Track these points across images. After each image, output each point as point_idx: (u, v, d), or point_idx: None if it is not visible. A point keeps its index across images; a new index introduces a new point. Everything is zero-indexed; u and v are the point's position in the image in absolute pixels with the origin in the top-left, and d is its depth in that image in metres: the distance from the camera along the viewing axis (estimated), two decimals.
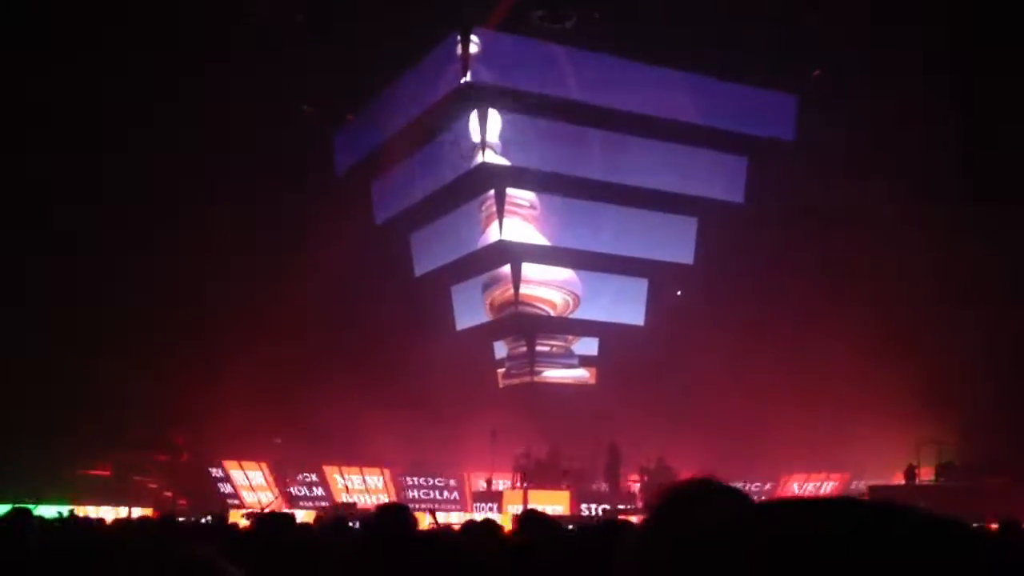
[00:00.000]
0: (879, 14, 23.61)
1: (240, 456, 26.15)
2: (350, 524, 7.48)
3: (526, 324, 30.38)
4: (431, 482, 27.88)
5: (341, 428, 25.52)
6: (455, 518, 20.35)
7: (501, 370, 32.06)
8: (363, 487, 27.14)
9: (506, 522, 12.28)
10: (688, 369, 26.18)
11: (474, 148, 27.36)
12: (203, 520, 11.85)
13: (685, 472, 24.24)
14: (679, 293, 30.41)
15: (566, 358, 31.58)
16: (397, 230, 31.52)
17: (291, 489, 26.05)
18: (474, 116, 27.23)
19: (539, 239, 28.98)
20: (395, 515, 4.70)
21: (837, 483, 27.38)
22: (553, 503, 23.15)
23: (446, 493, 28.10)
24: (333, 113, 30.31)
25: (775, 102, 28.57)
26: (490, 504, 24.98)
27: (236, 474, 26.07)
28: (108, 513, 19.21)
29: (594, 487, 25.50)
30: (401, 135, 29.29)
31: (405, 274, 31.29)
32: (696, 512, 0.78)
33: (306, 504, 25.11)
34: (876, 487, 23.20)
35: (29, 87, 23.36)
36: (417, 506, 23.27)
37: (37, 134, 24.10)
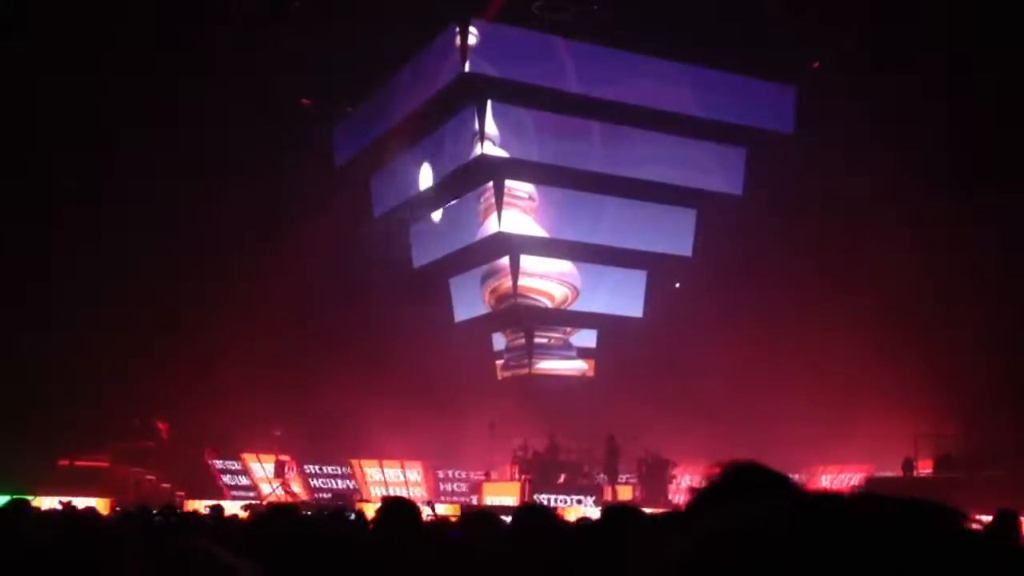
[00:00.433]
0: (878, 4, 23.60)
1: (240, 446, 26.13)
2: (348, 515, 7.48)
3: (524, 316, 30.39)
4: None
5: (340, 419, 25.55)
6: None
7: (499, 362, 32.09)
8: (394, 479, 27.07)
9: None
10: (687, 361, 26.21)
11: (473, 140, 27.33)
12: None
13: (683, 464, 24.35)
14: (677, 285, 30.42)
15: (564, 350, 31.60)
16: (396, 222, 31.53)
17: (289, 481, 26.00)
18: (473, 108, 27.19)
19: (538, 231, 28.97)
20: (403, 509, 4.68)
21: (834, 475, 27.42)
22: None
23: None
24: (331, 106, 30.27)
25: (774, 93, 28.53)
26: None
27: (255, 467, 26.00)
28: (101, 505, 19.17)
29: (593, 479, 25.51)
30: (400, 127, 29.26)
31: (404, 266, 31.27)
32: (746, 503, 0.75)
33: (323, 497, 24.99)
34: (873, 479, 23.23)
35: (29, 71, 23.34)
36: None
37: (42, 132, 24.11)
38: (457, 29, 26.16)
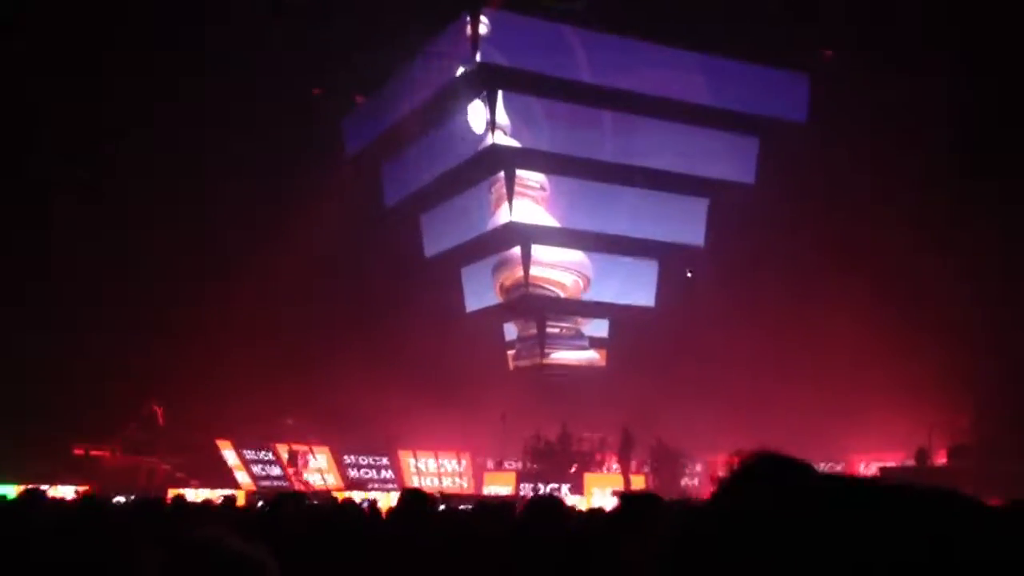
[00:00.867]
0: None
1: (253, 435, 26.20)
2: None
3: (536, 306, 30.38)
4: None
5: (351, 409, 25.62)
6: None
7: (511, 352, 32.10)
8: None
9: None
10: (699, 350, 26.18)
11: (484, 129, 27.29)
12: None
13: (696, 454, 24.36)
14: (689, 274, 30.34)
15: (576, 340, 31.58)
16: (407, 212, 31.55)
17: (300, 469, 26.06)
18: (484, 97, 27.14)
19: (549, 221, 28.93)
20: (417, 500, 4.69)
21: (849, 464, 27.38)
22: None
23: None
24: (343, 95, 30.27)
25: (787, 82, 28.41)
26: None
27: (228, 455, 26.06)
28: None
29: (605, 468, 25.55)
30: (411, 117, 29.25)
31: (416, 255, 31.29)
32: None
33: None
34: (887, 469, 23.16)
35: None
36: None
37: (41, 126, 24.18)
38: (468, 18, 26.12)
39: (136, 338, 24.29)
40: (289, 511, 4.99)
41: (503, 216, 28.43)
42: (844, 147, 25.32)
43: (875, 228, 24.97)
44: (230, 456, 25.25)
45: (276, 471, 25.71)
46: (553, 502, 5.66)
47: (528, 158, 27.91)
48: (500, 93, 26.92)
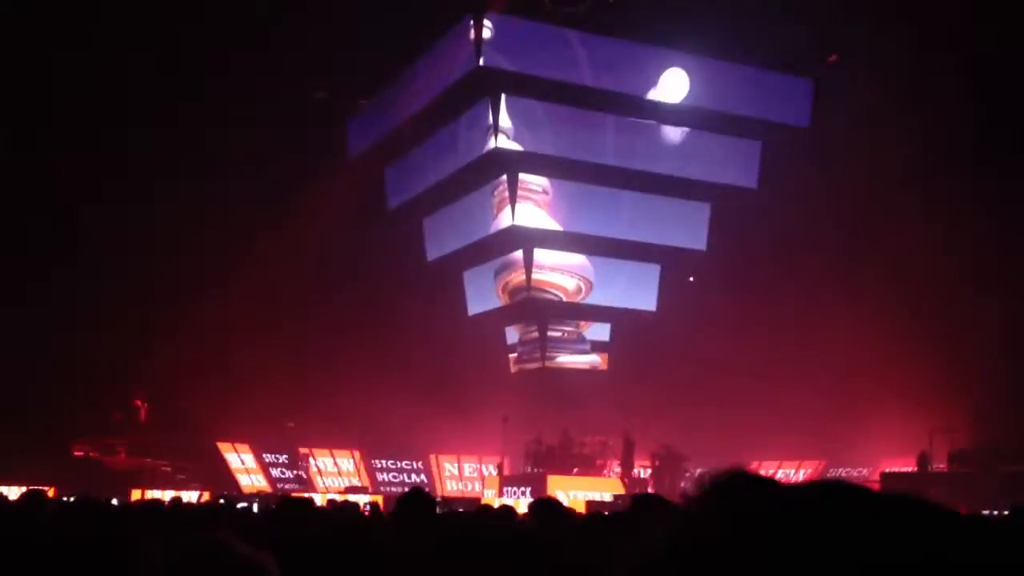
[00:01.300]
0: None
1: (250, 437, 26.24)
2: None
3: (538, 309, 30.37)
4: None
5: (351, 412, 25.64)
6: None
7: (513, 355, 32.08)
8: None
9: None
10: (700, 355, 26.14)
11: (487, 133, 27.31)
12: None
13: (696, 458, 24.33)
14: (691, 279, 30.33)
15: (578, 344, 31.56)
16: (410, 215, 31.55)
17: (301, 472, 26.11)
18: (486, 101, 27.16)
19: (551, 224, 28.94)
20: (420, 500, 4.71)
21: (812, 471, 27.41)
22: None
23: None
24: (346, 98, 30.30)
25: (790, 87, 28.41)
26: (523, 488, 25.12)
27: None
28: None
29: (607, 472, 25.53)
30: (414, 120, 29.27)
31: (418, 259, 31.30)
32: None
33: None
34: (888, 474, 23.16)
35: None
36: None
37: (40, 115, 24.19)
38: (471, 22, 26.14)
39: (137, 340, 24.29)
40: (291, 515, 5.00)
41: (505, 220, 28.43)
42: (847, 153, 25.30)
43: (877, 234, 24.98)
44: (246, 459, 25.39)
45: (293, 473, 25.95)
46: (557, 504, 5.68)
47: (531, 162, 27.92)
48: (503, 97, 26.94)
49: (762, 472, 0.84)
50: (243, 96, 25.08)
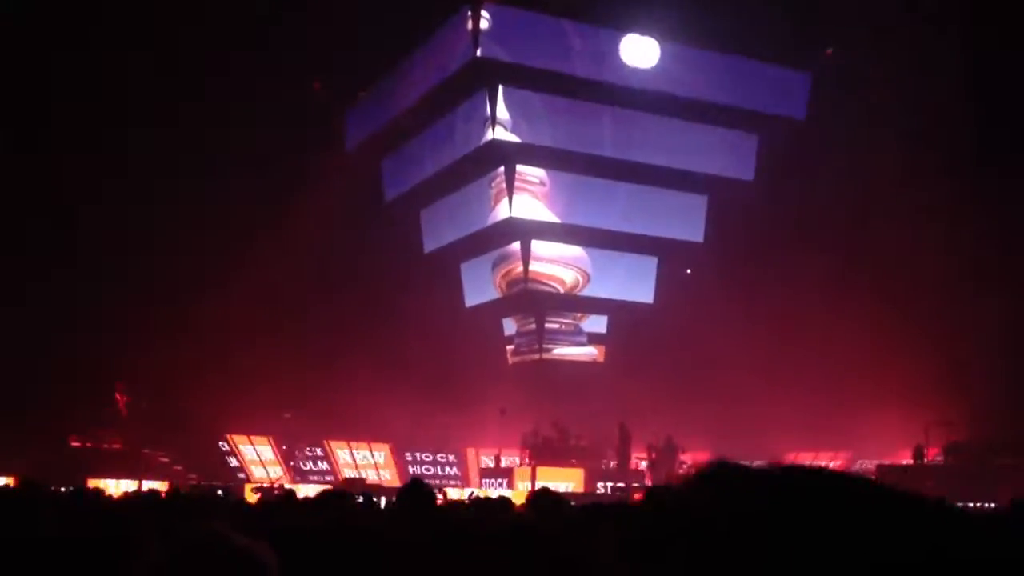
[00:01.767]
0: None
1: (250, 430, 26.21)
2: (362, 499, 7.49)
3: (536, 301, 30.37)
4: (433, 458, 27.94)
5: (349, 403, 25.63)
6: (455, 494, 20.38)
7: (510, 347, 32.10)
8: (370, 462, 27.24)
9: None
10: (697, 346, 26.17)
11: (484, 125, 27.28)
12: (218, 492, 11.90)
13: (693, 450, 24.37)
14: (688, 271, 30.35)
15: (575, 335, 31.58)
16: (407, 207, 31.53)
17: (299, 463, 26.11)
18: (484, 93, 27.13)
19: (549, 216, 28.93)
20: (419, 491, 4.71)
21: (842, 463, 27.40)
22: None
23: (448, 469, 28.09)
24: (344, 90, 30.25)
25: (787, 79, 28.40)
26: (500, 480, 25.11)
27: (246, 449, 26.12)
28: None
29: (604, 464, 25.56)
30: (411, 112, 29.24)
31: (415, 250, 31.29)
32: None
33: (315, 479, 25.16)
34: (884, 467, 23.20)
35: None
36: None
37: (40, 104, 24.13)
38: (469, 13, 26.10)
39: (134, 336, 24.26)
40: (285, 506, 5.00)
41: (503, 211, 28.43)
42: (844, 145, 25.30)
43: (874, 228, 24.98)
44: (264, 451, 25.49)
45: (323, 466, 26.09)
46: (555, 496, 5.69)
47: (528, 153, 27.90)
48: (500, 88, 26.90)
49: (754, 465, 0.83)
50: (241, 91, 25.03)
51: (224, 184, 25.50)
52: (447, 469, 27.26)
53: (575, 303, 31.05)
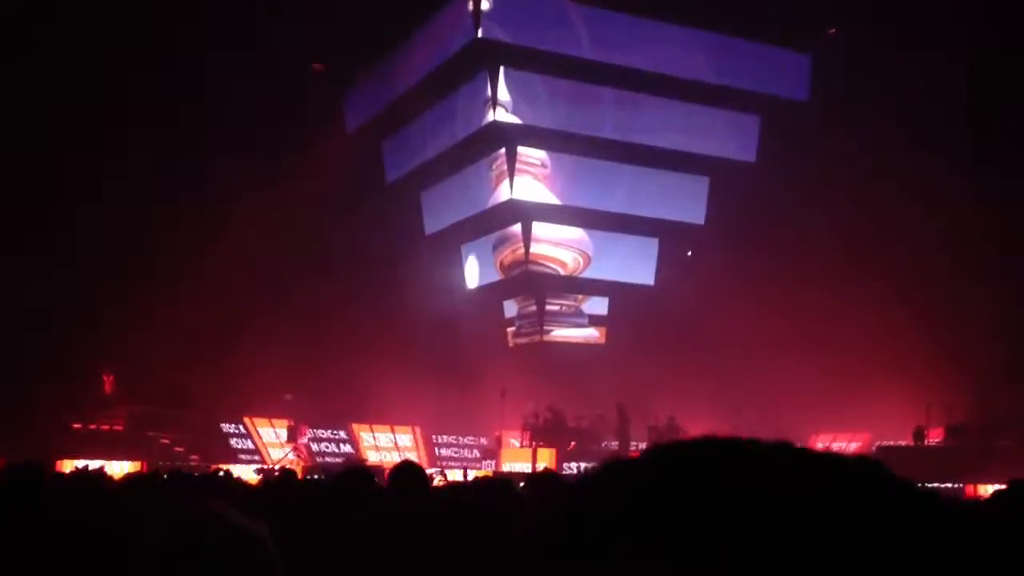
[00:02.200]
0: None
1: (252, 412, 26.22)
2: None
3: (536, 283, 30.38)
4: (461, 440, 28.11)
5: (350, 385, 25.68)
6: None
7: (511, 329, 32.12)
8: (393, 445, 27.35)
9: None
10: (698, 329, 26.19)
11: (485, 106, 27.21)
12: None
13: (695, 431, 24.37)
14: (689, 253, 30.33)
15: (576, 317, 31.60)
16: (408, 188, 31.50)
17: (311, 444, 26.08)
18: (485, 74, 27.03)
19: (550, 198, 28.90)
20: (413, 474, 4.71)
21: (860, 444, 27.40)
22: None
23: (476, 452, 28.24)
24: (343, 71, 30.15)
25: (789, 61, 28.31)
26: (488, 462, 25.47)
27: (265, 431, 26.15)
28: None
29: (604, 446, 25.58)
30: (412, 93, 29.15)
31: (416, 232, 31.27)
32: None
33: (330, 460, 25.11)
34: (884, 447, 23.22)
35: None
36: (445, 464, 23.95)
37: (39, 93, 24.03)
38: None
39: (134, 314, 24.24)
40: (287, 485, 5.01)
41: (504, 193, 28.39)
42: (846, 126, 25.22)
43: (876, 207, 24.92)
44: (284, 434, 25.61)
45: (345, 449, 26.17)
46: (554, 476, 5.70)
47: (529, 135, 27.84)
48: (501, 69, 26.82)
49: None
50: (240, 73, 24.92)
51: (224, 166, 25.41)
52: (475, 452, 27.48)
53: (576, 285, 31.06)
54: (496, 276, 31.15)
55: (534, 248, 29.31)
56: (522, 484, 6.26)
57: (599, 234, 30.13)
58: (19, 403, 20.92)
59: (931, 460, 19.99)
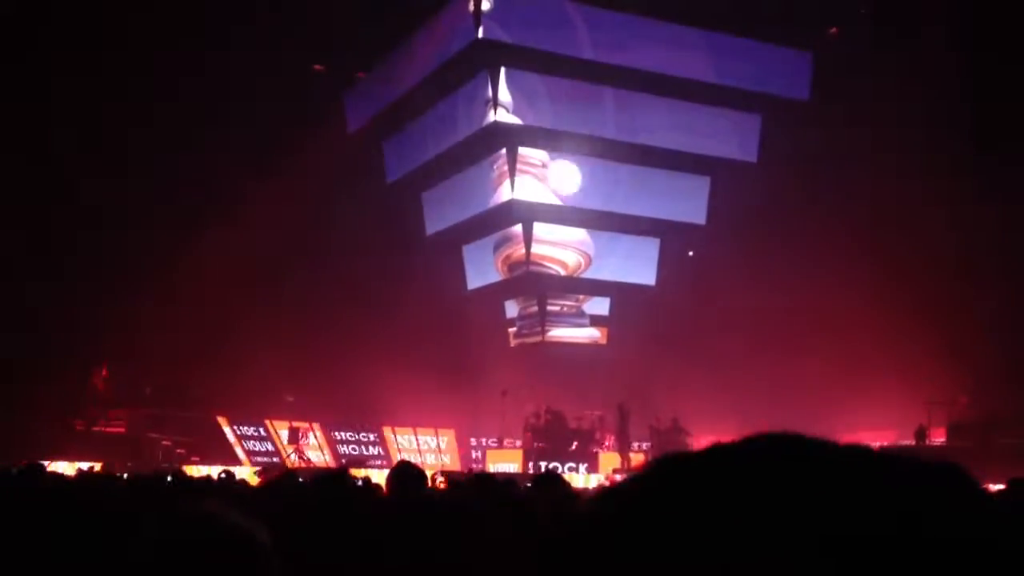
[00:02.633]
0: None
1: (252, 413, 26.21)
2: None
3: (537, 283, 30.38)
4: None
5: (349, 386, 25.68)
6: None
7: (512, 329, 32.12)
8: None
9: None
10: (700, 329, 26.18)
11: (486, 106, 27.19)
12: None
13: (698, 432, 24.39)
14: (691, 254, 30.32)
15: (577, 318, 31.60)
16: (409, 189, 31.48)
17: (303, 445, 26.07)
18: (486, 74, 27.02)
19: (551, 198, 28.88)
20: (408, 472, 4.70)
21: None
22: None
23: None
24: (345, 72, 30.14)
25: (790, 60, 28.27)
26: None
27: (285, 434, 26.17)
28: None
29: (605, 447, 25.57)
30: (413, 93, 29.14)
31: (417, 233, 31.26)
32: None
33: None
34: (886, 448, 23.15)
35: None
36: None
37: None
38: None
39: (141, 309, 24.24)
40: (285, 486, 4.99)
41: (505, 193, 28.39)
42: (847, 125, 25.18)
43: (878, 207, 24.90)
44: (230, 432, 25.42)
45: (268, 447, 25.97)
46: (559, 477, 5.68)
47: (530, 135, 27.84)
48: (502, 69, 26.80)
49: None
50: (240, 72, 24.90)
51: (225, 165, 25.42)
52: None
53: (577, 285, 31.06)
54: (497, 276, 31.15)
55: (535, 248, 29.31)
56: (528, 484, 6.24)
57: (600, 234, 30.14)
58: (18, 404, 20.91)
59: (933, 459, 19.91)
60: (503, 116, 27.11)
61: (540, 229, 29.30)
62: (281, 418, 25.96)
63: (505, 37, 26.37)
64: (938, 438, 22.69)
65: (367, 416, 27.10)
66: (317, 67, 28.94)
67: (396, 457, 25.75)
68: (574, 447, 24.93)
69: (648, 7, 26.63)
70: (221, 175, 25.24)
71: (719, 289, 26.12)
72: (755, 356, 25.19)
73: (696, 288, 27.51)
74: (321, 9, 24.91)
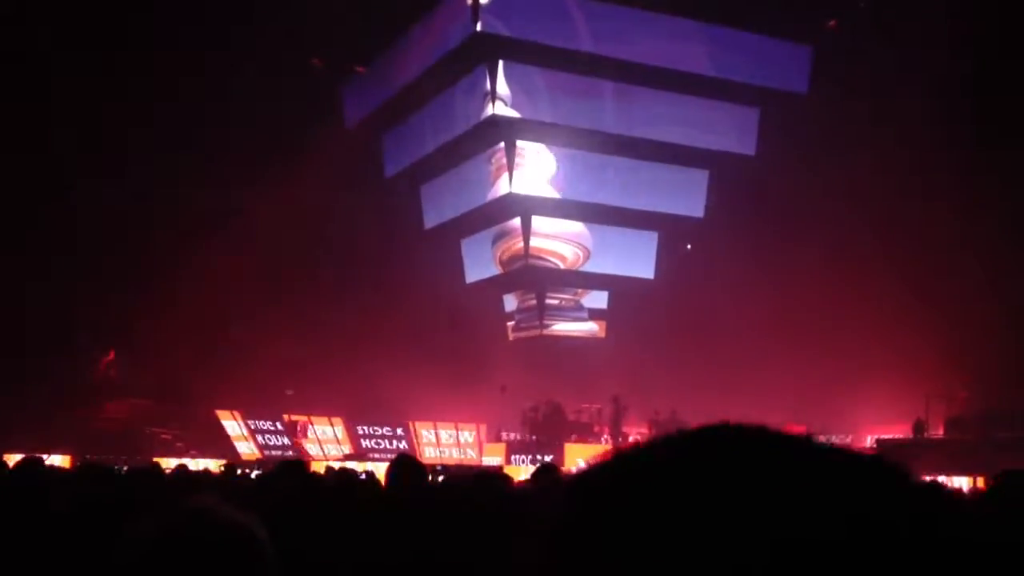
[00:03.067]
0: None
1: (255, 407, 26.24)
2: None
3: (536, 277, 30.34)
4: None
5: (349, 379, 25.69)
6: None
7: (511, 323, 32.09)
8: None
9: None
10: (697, 322, 26.17)
11: (484, 100, 27.14)
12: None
13: (697, 424, 24.36)
14: (689, 247, 30.30)
15: (576, 311, 31.58)
16: (407, 182, 31.44)
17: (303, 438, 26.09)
18: (484, 68, 26.96)
19: (549, 192, 28.84)
20: (407, 467, 4.70)
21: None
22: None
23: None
24: (342, 66, 30.09)
25: (789, 53, 28.20)
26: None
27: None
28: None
29: (601, 440, 25.59)
30: (411, 87, 29.08)
31: (416, 226, 31.23)
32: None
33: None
34: (883, 441, 23.21)
35: None
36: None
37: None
38: None
39: (135, 308, 24.26)
40: (285, 480, 4.99)
41: (503, 187, 28.34)
42: (846, 119, 25.16)
43: (875, 200, 24.89)
44: (233, 426, 25.40)
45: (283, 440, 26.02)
46: (559, 470, 5.68)
47: (529, 129, 27.78)
48: (500, 63, 26.74)
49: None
50: (240, 68, 24.87)
51: (224, 161, 25.40)
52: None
53: (575, 279, 31.03)
54: (495, 270, 31.11)
55: (534, 242, 29.27)
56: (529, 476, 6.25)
57: (599, 228, 30.09)
58: (18, 398, 20.93)
59: (931, 453, 19.96)
60: (501, 110, 27.06)
61: (538, 222, 29.26)
62: (296, 412, 26.03)
63: (503, 31, 26.30)
64: (936, 432, 22.70)
65: (367, 411, 27.13)
66: (315, 61, 28.88)
67: (421, 451, 25.94)
68: (573, 440, 24.94)
69: (646, 0, 26.56)
70: (222, 173, 25.23)
71: (717, 282, 26.11)
72: (753, 347, 25.18)
73: (694, 281, 27.49)
74: (319, 4, 24.85)
